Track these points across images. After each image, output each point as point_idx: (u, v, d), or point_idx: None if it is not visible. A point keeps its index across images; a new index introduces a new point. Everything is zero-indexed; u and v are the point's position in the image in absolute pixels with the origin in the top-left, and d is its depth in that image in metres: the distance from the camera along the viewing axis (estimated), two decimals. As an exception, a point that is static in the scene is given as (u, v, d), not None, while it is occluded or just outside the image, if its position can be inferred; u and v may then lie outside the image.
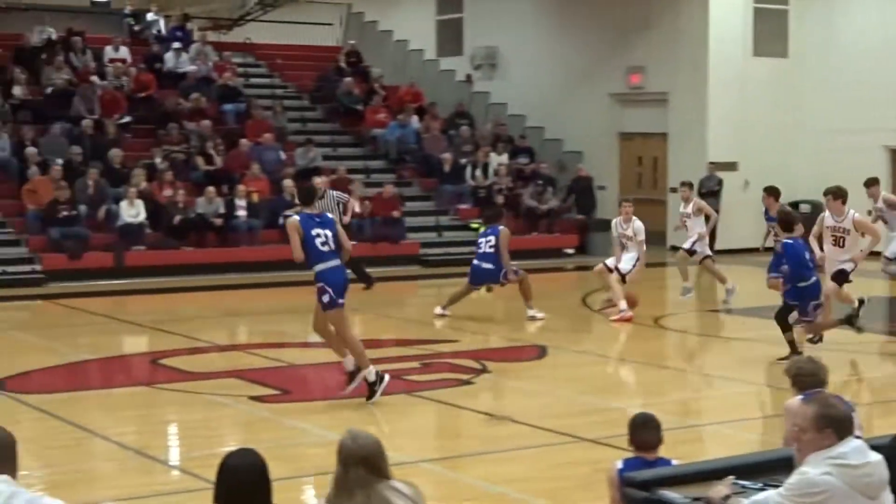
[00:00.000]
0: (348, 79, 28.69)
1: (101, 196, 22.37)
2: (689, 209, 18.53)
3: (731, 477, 5.79)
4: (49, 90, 25.37)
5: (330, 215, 12.06)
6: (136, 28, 30.20)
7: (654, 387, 13.16)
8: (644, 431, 6.51)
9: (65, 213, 21.58)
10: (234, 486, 4.79)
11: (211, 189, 22.92)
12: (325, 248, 11.29)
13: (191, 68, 27.53)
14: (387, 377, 11.38)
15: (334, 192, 19.69)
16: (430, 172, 26.86)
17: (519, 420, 10.86)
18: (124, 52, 27.77)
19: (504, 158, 27.12)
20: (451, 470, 9.58)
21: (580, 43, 28.85)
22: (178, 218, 22.31)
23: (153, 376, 13.43)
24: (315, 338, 17.51)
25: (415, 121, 27.82)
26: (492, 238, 16.85)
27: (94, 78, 26.02)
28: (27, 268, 21.26)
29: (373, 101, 28.30)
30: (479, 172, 26.45)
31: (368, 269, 20.17)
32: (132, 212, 21.94)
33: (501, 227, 17.10)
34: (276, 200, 23.65)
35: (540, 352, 14.74)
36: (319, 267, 11.31)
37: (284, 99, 28.57)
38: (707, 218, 18.75)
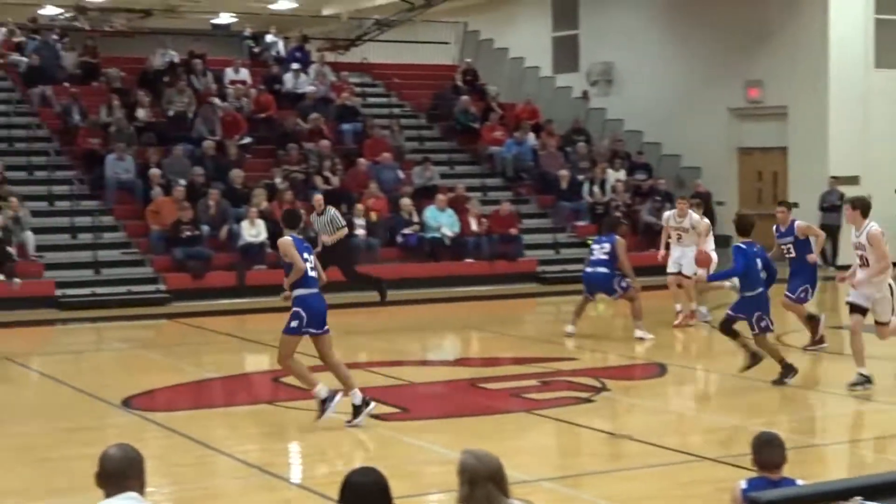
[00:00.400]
0: (465, 97, 28.82)
1: (223, 216, 22.75)
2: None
3: (858, 498, 5.67)
4: (171, 112, 25.89)
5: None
6: (256, 50, 30.66)
7: (777, 405, 12.94)
8: (768, 450, 6.41)
9: (188, 233, 21.99)
10: (356, 503, 4.83)
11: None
12: (312, 274, 11.30)
13: (309, 89, 27.90)
14: (372, 404, 11.31)
15: (333, 211, 20.53)
16: (547, 189, 26.83)
17: (639, 438, 10.76)
18: (244, 73, 28.25)
19: (621, 175, 26.98)
20: (572, 488, 9.53)
21: (697, 57, 28.63)
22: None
23: (275, 394, 13.60)
24: (433, 355, 17.69)
25: (531, 138, 27.84)
26: (606, 245, 16.71)
27: (216, 99, 26.51)
28: (152, 287, 21.71)
29: (489, 118, 28.39)
30: (596, 189, 26.35)
31: (485, 288, 20.18)
32: (253, 231, 22.28)
33: (618, 237, 16.97)
34: (395, 219, 23.86)
35: (660, 369, 14.60)
36: (302, 292, 11.29)
37: (401, 118, 28.78)
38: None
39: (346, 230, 20.64)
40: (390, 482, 4.89)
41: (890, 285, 11.94)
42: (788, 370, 12.99)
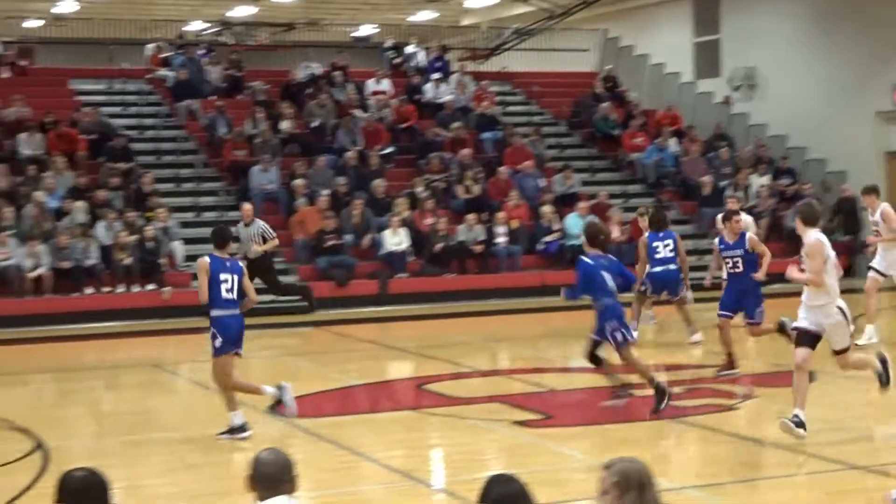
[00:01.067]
0: (605, 104, 28.67)
1: (366, 225, 22.99)
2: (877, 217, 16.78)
3: None
4: (314, 124, 26.25)
5: (240, 263, 11.90)
6: (397, 61, 30.86)
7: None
8: None
9: (331, 242, 22.28)
10: None
11: (471, 217, 23.29)
12: (228, 296, 11.23)
13: (449, 98, 27.99)
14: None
15: (261, 223, 20.38)
16: (690, 196, 26.50)
17: (786, 447, 10.52)
18: (386, 84, 28.50)
19: (765, 180, 26.51)
20: (718, 497, 9.35)
21: (843, 60, 27.96)
22: (439, 245, 22.72)
23: (419, 401, 13.66)
24: (576, 362, 17.54)
25: (673, 144, 27.55)
26: (670, 242, 16.40)
27: (357, 111, 26.79)
28: (297, 296, 22.00)
29: (630, 125, 28.17)
30: (739, 195, 25.91)
31: (628, 295, 19.87)
32: (395, 240, 22.47)
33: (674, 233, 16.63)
34: (536, 227, 23.81)
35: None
36: (217, 313, 11.26)
37: (542, 126, 28.73)
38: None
39: (276, 241, 20.61)
40: (534, 489, 4.84)
41: (841, 309, 10.45)
42: (661, 395, 11.77)
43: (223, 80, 28.12)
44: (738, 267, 13.97)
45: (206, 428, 12.34)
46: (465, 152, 25.57)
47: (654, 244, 16.36)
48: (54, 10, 31.63)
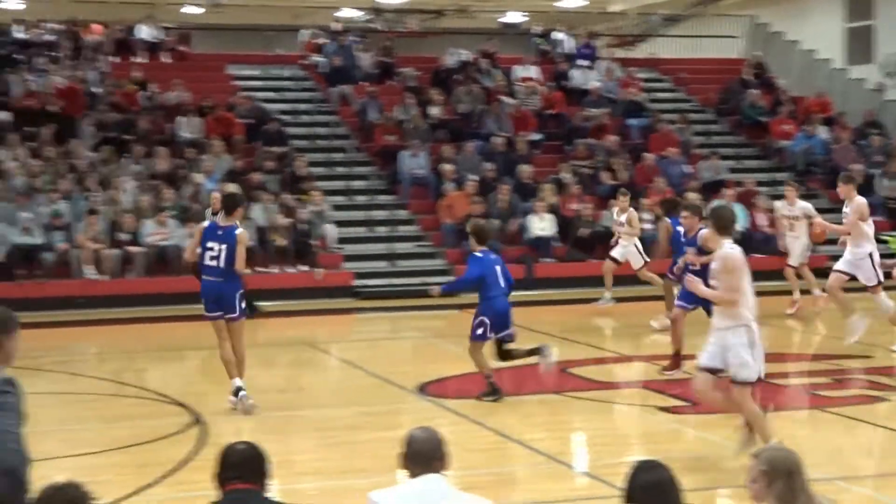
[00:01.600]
0: (753, 90, 28.17)
1: (513, 210, 23.02)
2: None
3: None
4: (462, 110, 26.35)
5: (239, 231, 11.85)
6: (545, 47, 30.76)
7: None
8: None
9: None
10: (644, 496, 4.79)
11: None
12: (212, 263, 11.64)
13: (597, 84, 27.83)
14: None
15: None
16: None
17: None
18: (533, 70, 28.45)
19: (919, 168, 25.77)
20: (869, 489, 9.18)
21: None
22: (584, 231, 22.63)
23: (563, 384, 13.65)
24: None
25: (823, 131, 26.93)
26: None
27: (505, 97, 26.81)
28: (444, 279, 22.11)
29: (779, 112, 27.64)
30: (891, 183, 25.24)
31: (774, 283, 19.57)
32: (541, 225, 22.46)
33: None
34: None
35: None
36: (204, 278, 11.83)
37: (689, 112, 28.37)
38: None
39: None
40: (678, 475, 4.83)
41: (749, 329, 9.03)
42: (493, 390, 12.19)
43: (375, 67, 28.37)
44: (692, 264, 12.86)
45: (355, 405, 12.56)
46: (612, 139, 25.41)
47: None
48: (213, -2, 32.32)
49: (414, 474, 5.07)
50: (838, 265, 15.16)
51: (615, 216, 18.62)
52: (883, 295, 14.86)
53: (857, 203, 15.01)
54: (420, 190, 24.16)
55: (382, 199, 24.05)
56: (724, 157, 26.16)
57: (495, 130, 25.49)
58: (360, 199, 24.09)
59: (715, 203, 13.44)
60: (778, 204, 18.31)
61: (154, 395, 12.88)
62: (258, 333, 17.90)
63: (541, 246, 22.46)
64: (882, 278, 14.82)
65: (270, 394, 12.66)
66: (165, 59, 28.62)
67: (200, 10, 34.82)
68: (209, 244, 11.70)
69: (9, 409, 5.08)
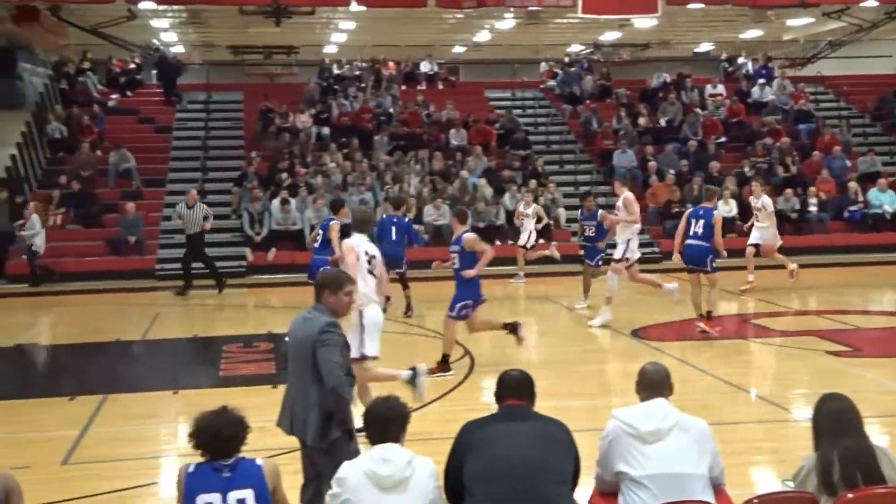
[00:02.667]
0: (904, 99, 26.30)
1: (703, 196, 22.27)
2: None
3: None
4: (664, 120, 25.72)
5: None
6: (730, 69, 29.70)
7: None
8: None
9: (676, 209, 21.74)
10: (829, 420, 4.57)
11: (788, 191, 22.10)
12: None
13: (772, 98, 26.64)
14: None
15: (204, 206, 17.95)
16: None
17: None
18: (720, 88, 27.48)
19: None
20: None
21: None
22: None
23: (745, 332, 13.13)
24: (875, 306, 16.29)
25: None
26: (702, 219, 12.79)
27: (698, 109, 26.01)
28: (647, 250, 21.60)
29: (925, 116, 25.73)
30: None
31: None
32: (726, 208, 21.55)
33: (716, 211, 12.89)
34: (842, 199, 22.33)
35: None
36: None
37: (849, 118, 26.73)
38: None
39: (210, 223, 17.84)
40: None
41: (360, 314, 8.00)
42: (444, 365, 10.32)
43: (596, 88, 28.00)
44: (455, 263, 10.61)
45: (581, 344, 12.39)
46: (784, 140, 24.24)
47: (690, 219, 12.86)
48: (474, 39, 32.53)
49: (644, 398, 4.96)
50: None
51: (753, 202, 17.03)
52: None
53: (765, 200, 15.94)
54: (630, 181, 23.58)
55: (601, 188, 23.64)
56: (879, 154, 24.55)
57: (690, 135, 24.76)
58: (584, 189, 23.80)
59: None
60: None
61: (434, 332, 13.05)
62: (508, 290, 17.92)
63: (725, 224, 21.56)
64: None
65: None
66: (440, 86, 29.04)
67: (464, 49, 35.17)
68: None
69: (332, 345, 5.32)
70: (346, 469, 4.46)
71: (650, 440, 4.69)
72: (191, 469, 4.43)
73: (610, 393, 10.15)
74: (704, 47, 35.07)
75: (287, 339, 5.72)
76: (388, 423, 4.55)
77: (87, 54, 26.96)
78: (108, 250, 20.27)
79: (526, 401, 4.87)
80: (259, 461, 4.50)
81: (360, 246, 8.28)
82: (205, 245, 18.00)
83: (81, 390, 10.06)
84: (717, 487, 4.79)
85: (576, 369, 10.89)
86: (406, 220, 14.88)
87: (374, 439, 4.53)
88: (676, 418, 4.78)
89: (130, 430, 8.69)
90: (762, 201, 16.81)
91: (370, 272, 8.23)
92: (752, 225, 17.10)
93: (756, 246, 16.71)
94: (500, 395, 4.90)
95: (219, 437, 4.43)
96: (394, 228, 14.18)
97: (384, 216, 15.59)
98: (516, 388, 4.89)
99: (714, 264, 12.57)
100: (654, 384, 4.95)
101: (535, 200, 19.93)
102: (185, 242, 18.00)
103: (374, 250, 8.40)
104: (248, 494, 4.36)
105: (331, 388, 5.26)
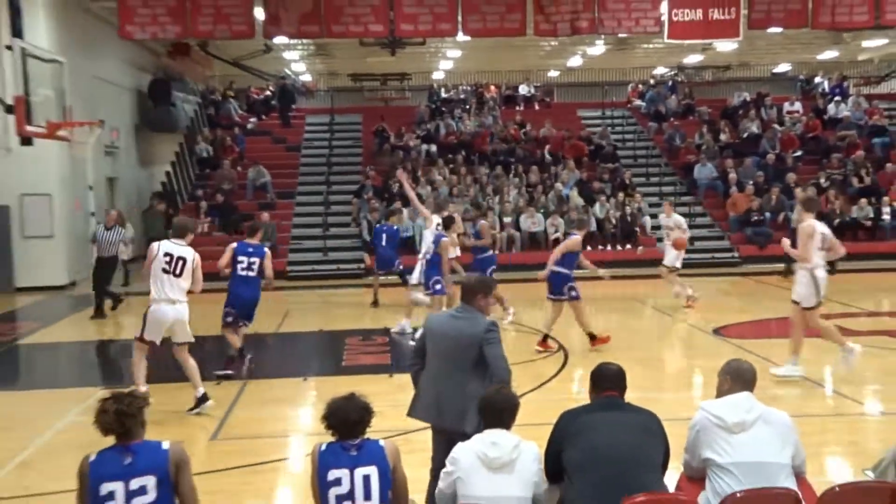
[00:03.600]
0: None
1: (780, 206, 21.69)
2: None
3: None
4: (744, 135, 25.12)
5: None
6: (806, 88, 28.85)
7: None
8: None
9: (755, 217, 21.27)
10: None
11: (863, 200, 21.35)
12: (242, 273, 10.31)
13: (847, 114, 25.74)
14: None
15: (122, 231, 15.56)
16: None
17: None
18: (797, 105, 26.76)
19: None
20: None
21: None
22: (836, 220, 20.97)
23: (818, 330, 12.68)
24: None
25: None
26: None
27: (776, 125, 25.32)
28: (728, 255, 21.24)
29: None
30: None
31: None
32: (797, 217, 20.98)
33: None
34: (914, 208, 21.41)
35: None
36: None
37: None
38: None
39: (129, 250, 16.08)
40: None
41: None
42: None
43: (679, 107, 27.55)
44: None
45: (668, 341, 12.23)
46: (859, 154, 23.39)
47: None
48: (567, 64, 32.36)
49: (730, 391, 4.88)
50: None
51: (664, 220, 15.93)
52: None
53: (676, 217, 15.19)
54: (710, 192, 23.21)
55: (684, 199, 23.22)
56: (952, 165, 23.47)
57: (768, 149, 24.10)
58: (669, 199, 23.36)
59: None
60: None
61: (531, 328, 13.06)
62: (597, 290, 17.72)
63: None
64: None
65: (606, 333, 12.52)
66: (536, 107, 28.97)
67: (559, 73, 34.99)
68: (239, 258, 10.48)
69: (497, 343, 5.42)
70: (460, 450, 4.52)
71: (735, 430, 4.63)
72: (323, 448, 4.55)
73: (693, 386, 10.00)
74: (782, 68, 34.12)
75: (428, 336, 5.56)
76: (503, 411, 4.61)
77: (232, 84, 27.87)
78: (246, 254, 20.84)
79: (619, 392, 4.87)
80: (381, 442, 4.59)
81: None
82: (113, 271, 15.37)
83: (228, 375, 10.39)
84: (799, 476, 4.69)
85: (662, 364, 10.76)
86: (395, 228, 15.56)
87: (489, 424, 4.58)
88: (761, 411, 4.71)
89: (267, 411, 8.96)
90: (674, 220, 15.46)
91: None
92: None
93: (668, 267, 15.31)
94: (596, 386, 4.90)
95: (348, 421, 4.52)
96: (384, 235, 15.26)
97: (377, 225, 16.53)
98: (612, 379, 4.89)
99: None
100: (744, 379, 4.88)
101: (623, 207, 19.56)
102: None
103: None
104: (372, 471, 4.45)
105: (500, 381, 5.20)
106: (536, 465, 4.53)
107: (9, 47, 13.07)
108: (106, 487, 4.06)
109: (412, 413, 5.60)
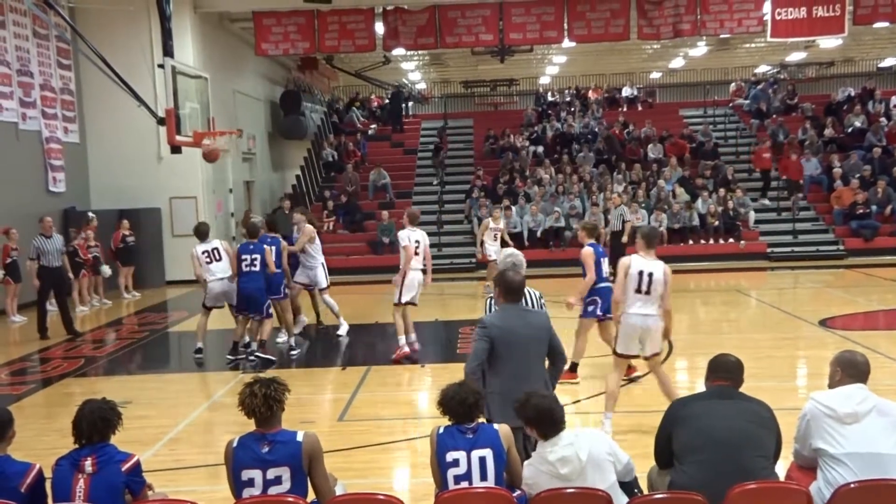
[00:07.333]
0: None
1: (887, 199, 20.57)
2: None
3: None
4: (849, 130, 23.90)
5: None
6: (913, 82, 27.24)
7: None
8: None
9: (860, 210, 20.22)
10: None
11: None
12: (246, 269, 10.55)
13: (955, 106, 24.16)
14: None
15: (60, 238, 13.23)
16: None
17: None
18: (903, 99, 25.23)
19: None
20: None
21: None
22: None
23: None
24: None
25: None
26: None
27: (882, 119, 23.99)
28: (833, 247, 20.28)
29: None
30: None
31: None
32: (910, 209, 19.85)
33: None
34: None
35: None
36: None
37: None
38: None
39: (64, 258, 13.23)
40: None
41: None
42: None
43: (782, 104, 26.45)
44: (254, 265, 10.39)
45: (772, 332, 11.76)
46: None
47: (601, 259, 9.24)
48: (670, 66, 31.57)
49: (843, 382, 4.61)
50: None
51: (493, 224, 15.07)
52: None
53: None
54: (815, 186, 22.18)
55: (786, 192, 22.27)
56: None
57: (874, 143, 22.85)
58: (771, 193, 22.50)
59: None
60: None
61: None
62: (691, 283, 17.28)
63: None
64: None
65: (711, 323, 12.15)
66: (639, 108, 28.35)
67: (661, 74, 34.16)
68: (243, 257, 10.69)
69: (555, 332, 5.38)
70: (530, 468, 4.36)
71: (847, 421, 4.39)
72: (441, 430, 4.53)
73: (798, 376, 9.56)
74: (889, 62, 32.32)
75: (498, 338, 5.10)
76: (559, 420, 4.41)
77: (358, 94, 28.50)
78: (368, 250, 21.22)
79: (732, 382, 4.68)
80: (495, 426, 4.54)
81: None
82: (69, 286, 13.80)
83: (351, 362, 10.58)
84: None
85: (770, 354, 10.32)
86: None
87: (548, 435, 4.35)
88: (874, 402, 4.45)
89: (389, 395, 9.05)
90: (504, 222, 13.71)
91: None
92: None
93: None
94: (711, 374, 4.73)
95: (463, 405, 4.50)
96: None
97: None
98: (729, 369, 4.70)
99: None
100: (858, 371, 4.61)
101: (724, 203, 18.90)
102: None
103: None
104: (487, 453, 4.42)
105: (562, 363, 5.40)
106: (606, 450, 4.33)
107: (161, 66, 13.63)
108: (246, 474, 4.18)
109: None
